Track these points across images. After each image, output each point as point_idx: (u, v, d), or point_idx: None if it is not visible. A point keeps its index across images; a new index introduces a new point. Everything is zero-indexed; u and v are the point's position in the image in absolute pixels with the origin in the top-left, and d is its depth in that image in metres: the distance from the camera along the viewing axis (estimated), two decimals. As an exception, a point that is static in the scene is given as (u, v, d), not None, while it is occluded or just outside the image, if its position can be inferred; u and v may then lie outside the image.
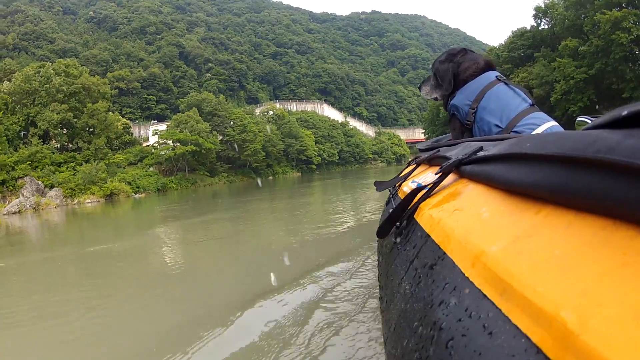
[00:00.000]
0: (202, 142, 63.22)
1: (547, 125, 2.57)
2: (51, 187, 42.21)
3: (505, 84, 2.87)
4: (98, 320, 4.80)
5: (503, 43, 62.59)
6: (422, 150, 3.28)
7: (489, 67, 3.05)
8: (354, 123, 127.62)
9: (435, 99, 3.35)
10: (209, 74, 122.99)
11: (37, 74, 48.87)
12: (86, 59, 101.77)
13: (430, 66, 3.40)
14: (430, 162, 2.19)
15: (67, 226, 17.75)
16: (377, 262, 2.72)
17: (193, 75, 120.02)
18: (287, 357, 2.95)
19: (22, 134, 48.12)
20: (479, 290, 0.68)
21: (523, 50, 57.80)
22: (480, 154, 1.15)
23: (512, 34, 61.14)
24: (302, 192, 23.07)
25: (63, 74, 49.69)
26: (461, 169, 1.26)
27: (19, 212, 33.16)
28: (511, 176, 0.82)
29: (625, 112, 0.54)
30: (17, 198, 36.79)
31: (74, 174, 44.35)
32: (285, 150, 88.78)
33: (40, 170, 43.76)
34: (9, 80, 50.65)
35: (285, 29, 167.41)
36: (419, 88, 3.48)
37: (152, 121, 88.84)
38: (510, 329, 0.54)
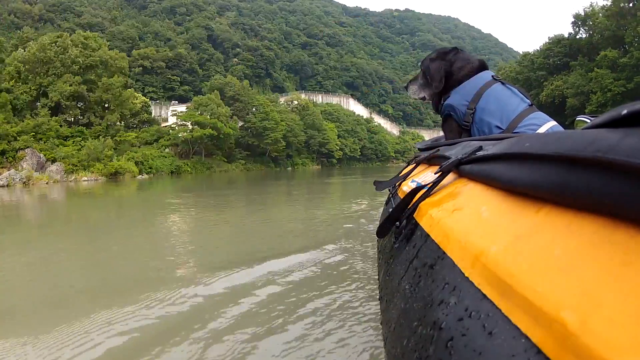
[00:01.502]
0: (220, 126, 61.56)
1: (548, 125, 2.55)
2: (53, 161, 40.08)
3: (502, 83, 2.82)
4: None
5: (539, 49, 61.07)
6: (421, 150, 3.24)
7: (483, 67, 2.99)
8: (378, 120, 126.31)
9: (423, 98, 3.28)
10: (236, 59, 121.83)
11: (54, 44, 46.92)
12: (112, 35, 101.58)
13: (419, 64, 3.29)
14: (429, 161, 2.19)
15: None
16: (377, 262, 2.76)
17: (220, 59, 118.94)
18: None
19: (36, 104, 46.38)
20: (479, 290, 0.69)
21: (559, 57, 56.39)
22: (480, 153, 1.17)
23: (549, 40, 59.81)
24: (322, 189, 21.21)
25: (80, 46, 47.76)
26: (461, 168, 1.28)
27: (7, 185, 30.75)
28: (511, 175, 0.83)
29: (624, 111, 0.54)
30: (10, 170, 34.64)
31: (79, 149, 42.10)
32: (307, 141, 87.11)
33: (44, 142, 41.67)
34: (25, 49, 48.89)
35: (317, 20, 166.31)
36: (406, 88, 3.40)
37: (173, 101, 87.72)
38: (510, 329, 0.55)
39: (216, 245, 6.79)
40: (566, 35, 58.54)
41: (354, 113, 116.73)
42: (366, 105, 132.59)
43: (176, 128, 62.62)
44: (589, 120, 2.68)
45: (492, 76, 2.88)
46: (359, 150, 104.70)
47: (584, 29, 56.97)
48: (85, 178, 38.45)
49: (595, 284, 0.47)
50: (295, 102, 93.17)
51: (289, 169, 77.44)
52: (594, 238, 0.53)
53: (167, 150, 59.37)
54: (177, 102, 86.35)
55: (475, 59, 3.04)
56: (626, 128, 0.53)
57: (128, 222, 10.58)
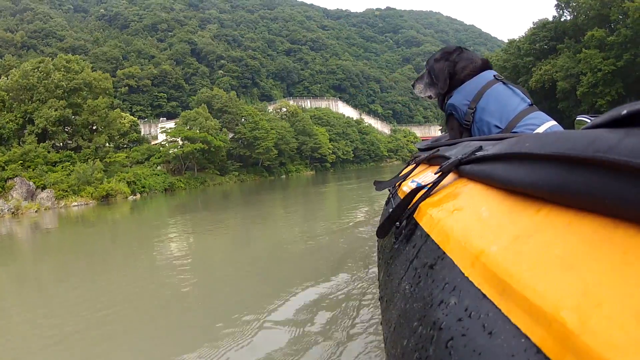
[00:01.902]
0: (210, 139, 61.14)
1: (547, 125, 2.56)
2: (43, 188, 39.10)
3: (504, 83, 2.85)
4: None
5: (524, 35, 60.65)
6: (421, 150, 3.29)
7: (486, 66, 3.03)
8: (369, 120, 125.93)
9: (429, 97, 3.32)
10: (221, 71, 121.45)
11: (36, 70, 46.08)
12: (96, 57, 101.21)
13: (425, 64, 3.34)
14: (429, 161, 2.20)
15: None
16: (377, 262, 2.72)
17: (205, 72, 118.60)
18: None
19: (24, 132, 45.59)
20: (479, 290, 0.69)
21: (545, 42, 56.12)
22: (480, 153, 1.18)
23: (534, 25, 59.40)
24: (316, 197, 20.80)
25: (63, 70, 46.97)
26: (461, 168, 1.29)
27: (-4, 217, 30.06)
28: (511, 176, 0.83)
29: (624, 111, 0.54)
30: (6, 200, 33.97)
31: (68, 174, 40.98)
32: (299, 148, 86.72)
33: (32, 170, 40.55)
34: (8, 77, 47.94)
35: (299, 26, 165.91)
36: (413, 86, 3.49)
37: (161, 118, 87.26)
38: (510, 328, 0.55)
39: (215, 287, 6.46)
40: (550, 19, 58.20)
41: (344, 115, 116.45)
42: (355, 106, 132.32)
43: (166, 145, 62.20)
44: (588, 120, 2.61)
45: (494, 76, 2.91)
46: (352, 152, 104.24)
47: (568, 11, 56.63)
48: (75, 203, 37.47)
49: (595, 284, 0.47)
50: (284, 109, 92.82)
51: (283, 176, 76.92)
52: (593, 238, 0.53)
53: (159, 167, 58.90)
54: (165, 118, 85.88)
55: (478, 58, 3.08)
56: (626, 128, 0.53)
57: (122, 258, 10.14)
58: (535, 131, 2.51)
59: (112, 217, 22.82)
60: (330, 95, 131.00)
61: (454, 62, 3.06)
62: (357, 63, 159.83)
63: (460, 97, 2.93)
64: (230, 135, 72.24)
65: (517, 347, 0.51)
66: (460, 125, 2.93)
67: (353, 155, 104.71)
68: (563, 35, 54.46)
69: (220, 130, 67.03)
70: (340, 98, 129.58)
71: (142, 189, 49.06)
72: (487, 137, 1.98)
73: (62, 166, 42.48)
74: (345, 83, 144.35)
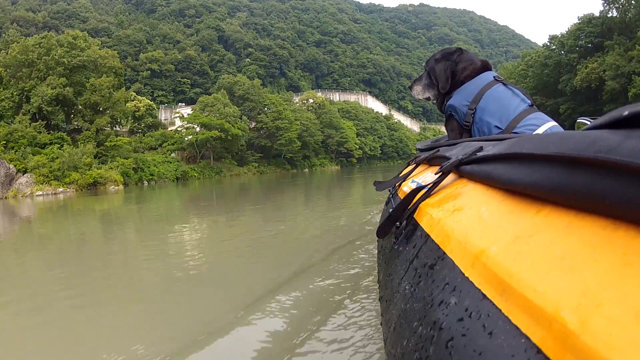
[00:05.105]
0: (228, 127, 57.77)
1: (548, 125, 2.57)
2: (25, 171, 34.75)
3: (504, 84, 2.84)
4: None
5: (567, 30, 56.46)
6: (421, 150, 3.24)
7: (485, 67, 3.01)
8: (398, 117, 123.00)
9: (427, 98, 3.29)
10: (248, 59, 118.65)
11: (38, 45, 42.80)
12: (119, 39, 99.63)
13: (424, 64, 3.29)
14: (430, 162, 2.21)
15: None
16: (377, 262, 2.76)
17: (232, 59, 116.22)
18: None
19: (20, 110, 41.99)
20: (479, 290, 0.69)
21: (591, 38, 51.96)
22: (480, 154, 1.19)
23: (579, 19, 55.24)
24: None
25: (67, 46, 43.44)
26: (461, 168, 1.30)
27: None
28: (511, 176, 0.84)
29: (626, 113, 0.54)
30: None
31: (55, 157, 36.58)
32: (325, 141, 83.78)
33: (15, 152, 36.38)
34: (8, 52, 44.65)
35: (330, 17, 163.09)
36: (410, 88, 3.42)
37: (180, 104, 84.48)
38: (510, 329, 0.55)
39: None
40: (597, 14, 54.10)
41: (373, 110, 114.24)
42: (385, 102, 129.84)
43: (183, 131, 58.89)
44: (589, 122, 2.33)
45: (494, 77, 2.86)
46: (379, 148, 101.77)
47: (616, 7, 52.52)
48: (40, 192, 32.44)
49: (595, 284, 0.47)
50: (311, 101, 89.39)
51: (306, 170, 73.30)
52: (594, 238, 0.53)
53: (172, 155, 55.66)
54: (183, 104, 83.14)
55: (478, 59, 3.01)
56: (627, 129, 0.53)
57: None
58: (535, 132, 2.47)
59: (67, 216, 18.06)
60: (359, 89, 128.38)
61: (455, 63, 2.98)
62: (389, 58, 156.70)
63: (460, 98, 2.87)
64: (252, 124, 68.93)
65: (517, 347, 0.51)
66: (460, 126, 2.88)
67: (380, 151, 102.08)
68: (609, 32, 50.29)
69: (240, 118, 63.53)
70: (369, 93, 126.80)
71: (150, 177, 45.61)
72: (487, 137, 1.96)
73: (52, 149, 38.24)
74: (375, 78, 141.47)
